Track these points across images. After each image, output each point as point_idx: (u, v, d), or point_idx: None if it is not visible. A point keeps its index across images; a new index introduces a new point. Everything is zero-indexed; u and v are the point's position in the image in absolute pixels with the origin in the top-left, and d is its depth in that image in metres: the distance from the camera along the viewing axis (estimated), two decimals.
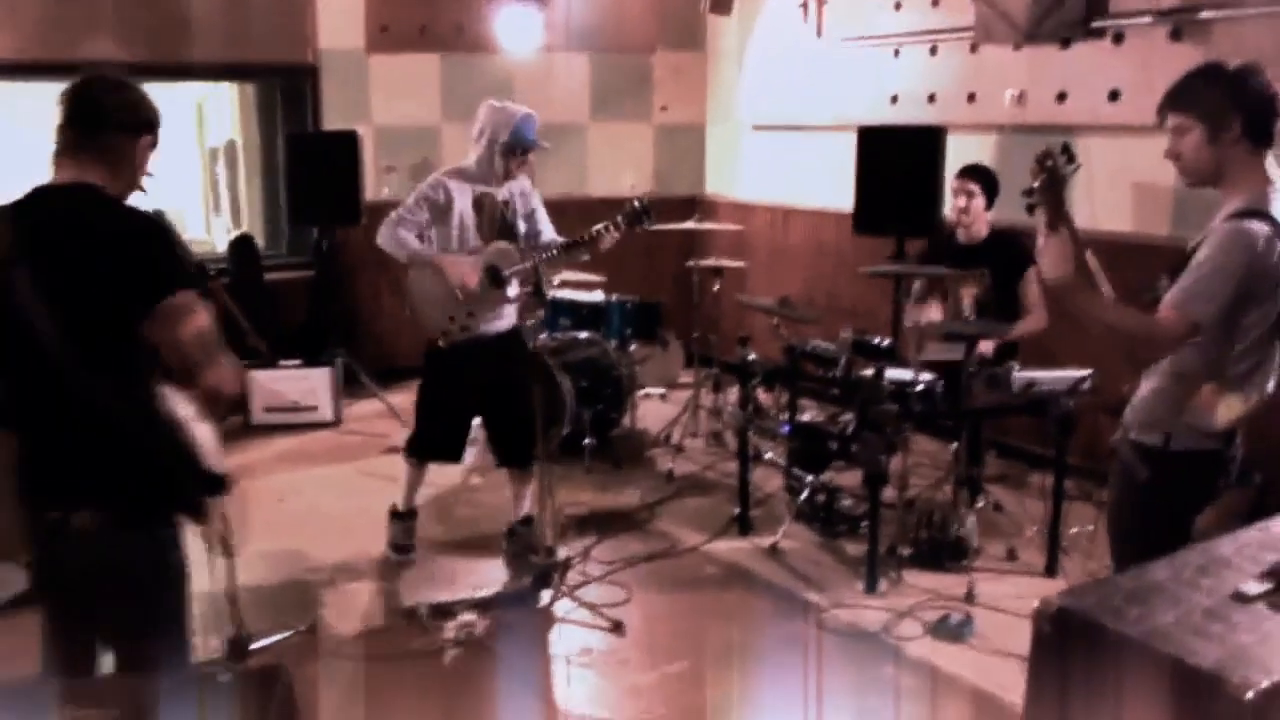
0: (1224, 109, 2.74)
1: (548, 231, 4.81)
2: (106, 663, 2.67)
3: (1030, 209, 2.94)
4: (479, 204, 4.66)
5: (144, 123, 2.58)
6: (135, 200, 2.60)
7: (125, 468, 2.45)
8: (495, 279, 4.65)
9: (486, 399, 4.81)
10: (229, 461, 5.16)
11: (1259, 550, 2.03)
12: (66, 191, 2.48)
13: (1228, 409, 2.83)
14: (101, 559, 2.46)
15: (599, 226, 4.62)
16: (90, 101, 2.50)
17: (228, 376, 2.46)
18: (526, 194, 4.80)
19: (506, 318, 4.80)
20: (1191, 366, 2.82)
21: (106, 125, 2.50)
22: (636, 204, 4.65)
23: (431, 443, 4.89)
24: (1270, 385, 2.88)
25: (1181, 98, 2.82)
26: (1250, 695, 1.55)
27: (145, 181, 2.94)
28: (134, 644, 2.57)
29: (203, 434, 2.49)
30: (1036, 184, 2.89)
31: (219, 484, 2.53)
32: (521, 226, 4.76)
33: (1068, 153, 2.91)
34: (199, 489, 2.50)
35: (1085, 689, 1.77)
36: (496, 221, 4.69)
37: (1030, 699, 1.86)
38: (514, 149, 4.59)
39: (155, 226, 2.48)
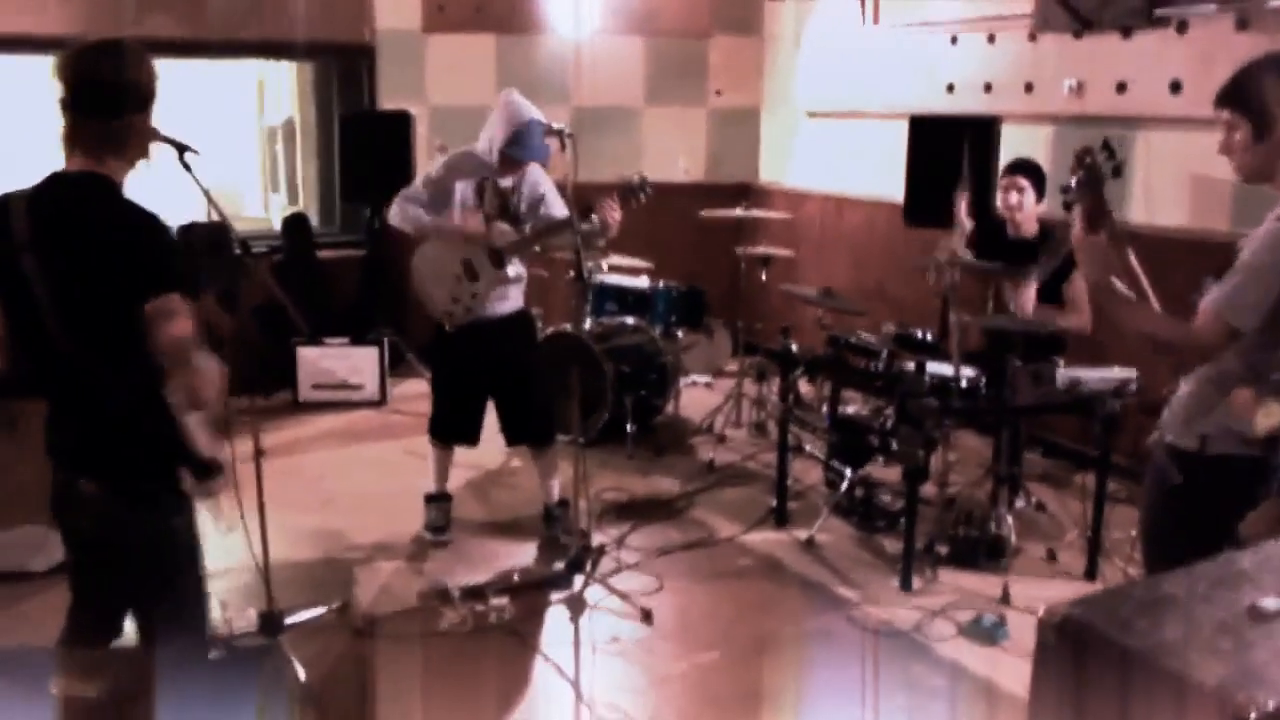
0: (1270, 106, 2.63)
1: (558, 214, 4.75)
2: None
3: (1068, 206, 2.86)
4: (480, 189, 4.69)
5: (152, 94, 2.59)
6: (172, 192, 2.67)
7: (121, 443, 2.54)
8: (495, 259, 4.65)
9: (494, 379, 4.83)
10: (273, 438, 5.21)
11: None
12: (77, 181, 2.53)
13: (1267, 415, 2.70)
14: (104, 524, 2.56)
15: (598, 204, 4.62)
16: (100, 85, 2.50)
17: (199, 382, 2.48)
18: (535, 181, 4.78)
19: (511, 299, 4.81)
20: (1232, 370, 2.71)
21: (121, 109, 2.51)
22: (635, 179, 4.65)
23: (447, 424, 4.93)
24: None
25: (1231, 92, 2.72)
26: (1254, 715, 1.49)
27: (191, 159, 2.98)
28: (147, 610, 2.65)
29: (193, 420, 2.53)
30: (1075, 181, 2.81)
31: (208, 469, 2.58)
32: (528, 213, 4.76)
33: (1108, 149, 2.82)
34: (190, 471, 2.56)
35: (1088, 703, 1.72)
36: (498, 207, 4.70)
37: (1033, 711, 1.82)
38: (508, 157, 4.60)
39: (149, 226, 2.52)
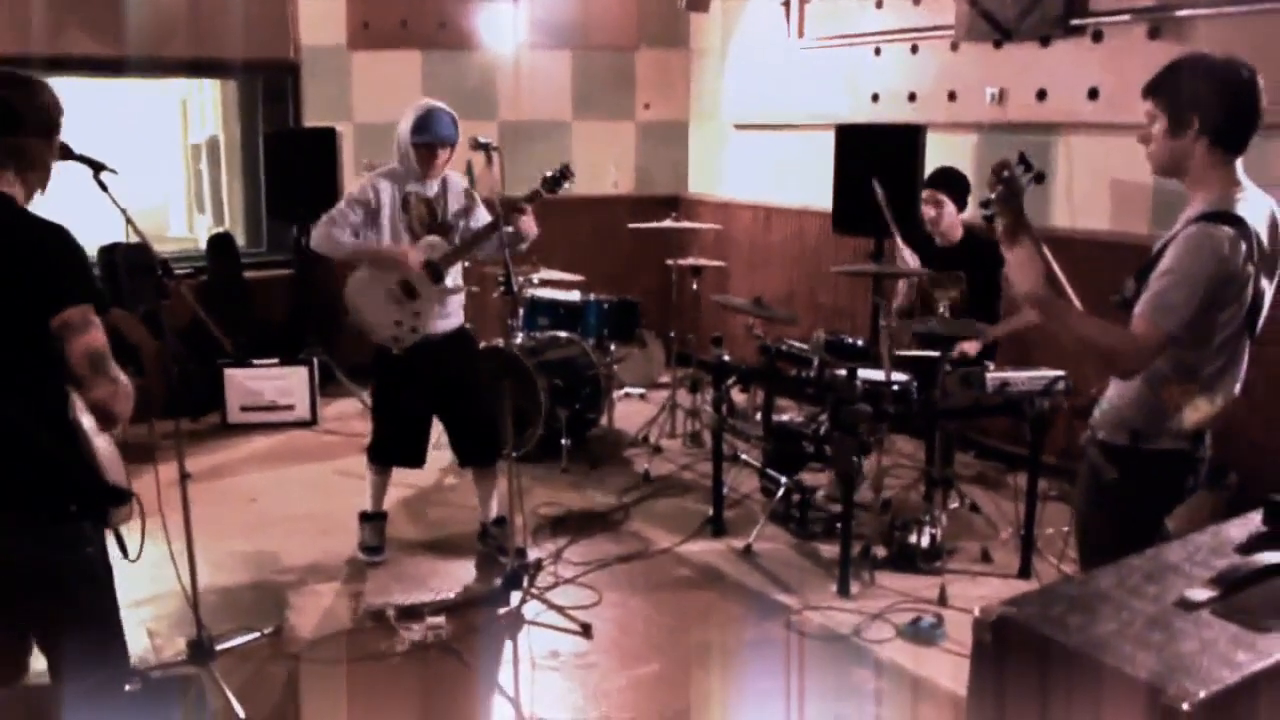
0: (1184, 107, 2.67)
1: (482, 223, 4.76)
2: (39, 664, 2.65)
3: (989, 220, 2.89)
4: (406, 203, 4.64)
5: (56, 123, 2.57)
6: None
7: (26, 472, 2.44)
8: (433, 273, 4.63)
9: (441, 400, 4.77)
10: (202, 461, 5.10)
11: (1209, 555, 1.99)
12: None
13: (1195, 410, 2.78)
14: (10, 559, 2.46)
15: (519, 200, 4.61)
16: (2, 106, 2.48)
17: (112, 394, 2.43)
18: (458, 189, 4.77)
19: (453, 315, 4.78)
20: (1161, 368, 2.75)
21: (20, 130, 2.48)
22: (552, 173, 4.66)
23: (391, 448, 4.86)
24: (1238, 386, 2.83)
25: (1155, 85, 2.76)
26: (1186, 706, 1.51)
27: (110, 177, 2.95)
28: (58, 644, 2.56)
29: (101, 446, 2.47)
30: (994, 195, 2.84)
31: (118, 496, 2.51)
32: (455, 221, 4.74)
33: (1025, 162, 2.85)
34: (100, 499, 2.48)
35: (1025, 700, 1.73)
36: (425, 218, 4.67)
37: (970, 710, 1.83)
38: (419, 145, 4.55)
39: (56, 239, 2.46)
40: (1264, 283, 2.74)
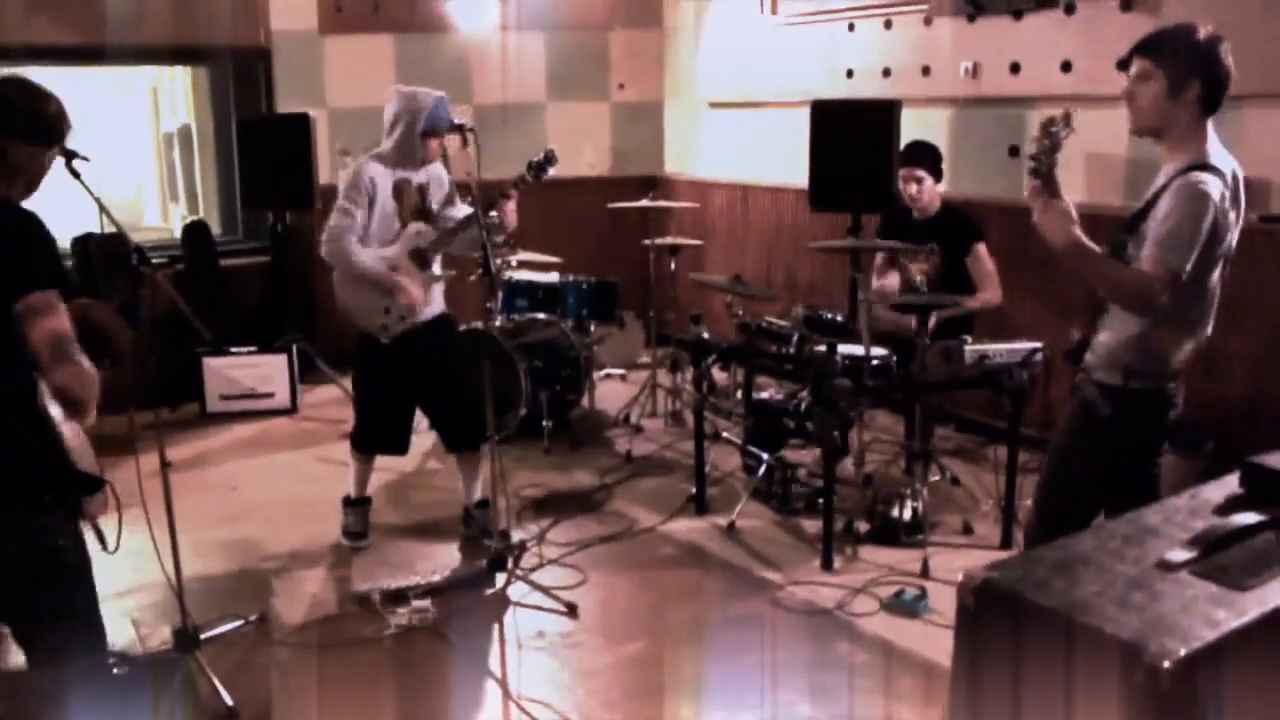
0: (1188, 71, 2.86)
1: (463, 210, 4.78)
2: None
3: (1035, 173, 3.03)
4: (399, 190, 4.62)
5: (46, 130, 2.56)
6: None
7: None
8: (420, 261, 4.61)
9: (425, 386, 4.76)
10: (182, 450, 5.06)
11: (1187, 518, 2.02)
12: None
13: (1180, 350, 3.02)
14: None
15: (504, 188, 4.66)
16: None
17: (74, 377, 2.40)
18: (441, 179, 4.78)
19: (436, 302, 4.77)
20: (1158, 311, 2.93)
21: (4, 133, 2.48)
22: (536, 159, 4.69)
23: (375, 435, 4.85)
24: (1211, 325, 3.07)
25: (1154, 47, 2.93)
26: (1168, 664, 1.53)
27: (83, 166, 2.94)
28: (32, 636, 2.55)
29: (69, 434, 2.45)
30: (1040, 151, 3.00)
31: (89, 483, 2.50)
32: (436, 209, 4.74)
33: (1067, 119, 3.00)
34: (72, 487, 2.47)
35: (1009, 662, 1.75)
36: (414, 206, 4.66)
37: (956, 673, 1.84)
38: (432, 132, 4.57)
39: (23, 224, 2.46)
40: (1234, 229, 2.97)
